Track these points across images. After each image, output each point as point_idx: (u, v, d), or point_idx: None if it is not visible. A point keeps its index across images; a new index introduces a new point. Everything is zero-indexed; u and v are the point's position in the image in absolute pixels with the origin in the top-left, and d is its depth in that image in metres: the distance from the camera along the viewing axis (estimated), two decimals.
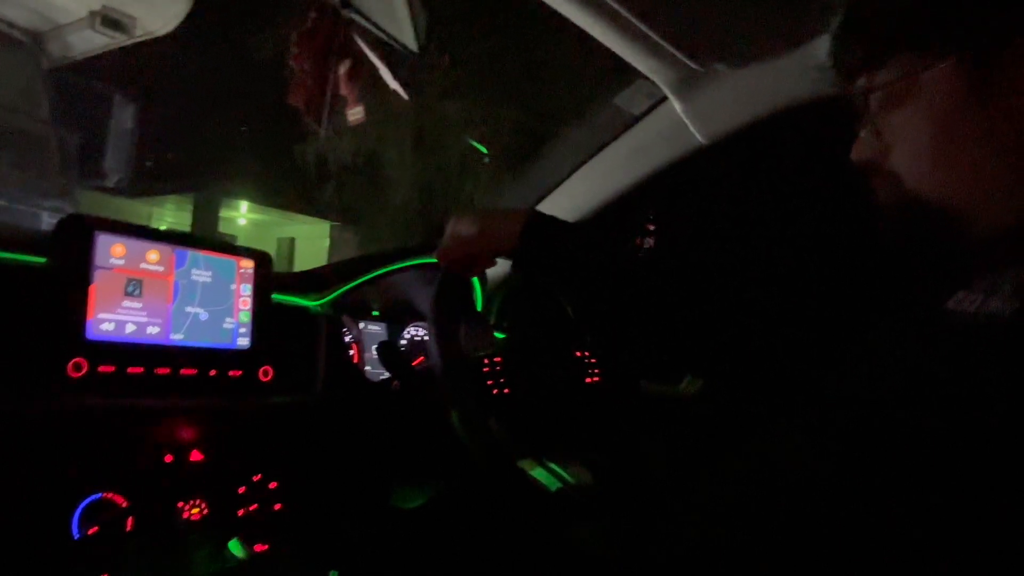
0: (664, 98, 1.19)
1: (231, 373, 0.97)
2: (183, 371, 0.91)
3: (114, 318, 0.86)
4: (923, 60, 0.55)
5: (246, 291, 1.01)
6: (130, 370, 0.86)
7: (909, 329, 0.57)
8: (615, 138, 1.31)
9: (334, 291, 1.20)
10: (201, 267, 0.96)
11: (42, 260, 0.84)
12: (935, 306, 0.53)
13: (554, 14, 0.97)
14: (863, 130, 0.63)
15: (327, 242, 12.44)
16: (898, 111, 0.58)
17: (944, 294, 0.53)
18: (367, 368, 1.35)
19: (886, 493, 0.48)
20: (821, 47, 0.98)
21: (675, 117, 1.20)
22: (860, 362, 0.59)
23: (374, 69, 1.13)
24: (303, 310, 1.14)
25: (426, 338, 1.47)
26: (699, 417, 1.46)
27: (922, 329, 0.55)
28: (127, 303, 0.87)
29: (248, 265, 1.02)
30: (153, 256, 0.91)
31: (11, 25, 2.64)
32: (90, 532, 0.78)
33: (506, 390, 1.28)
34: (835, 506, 0.50)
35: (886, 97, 0.59)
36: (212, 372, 0.95)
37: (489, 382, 1.25)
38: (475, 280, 1.48)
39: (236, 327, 0.99)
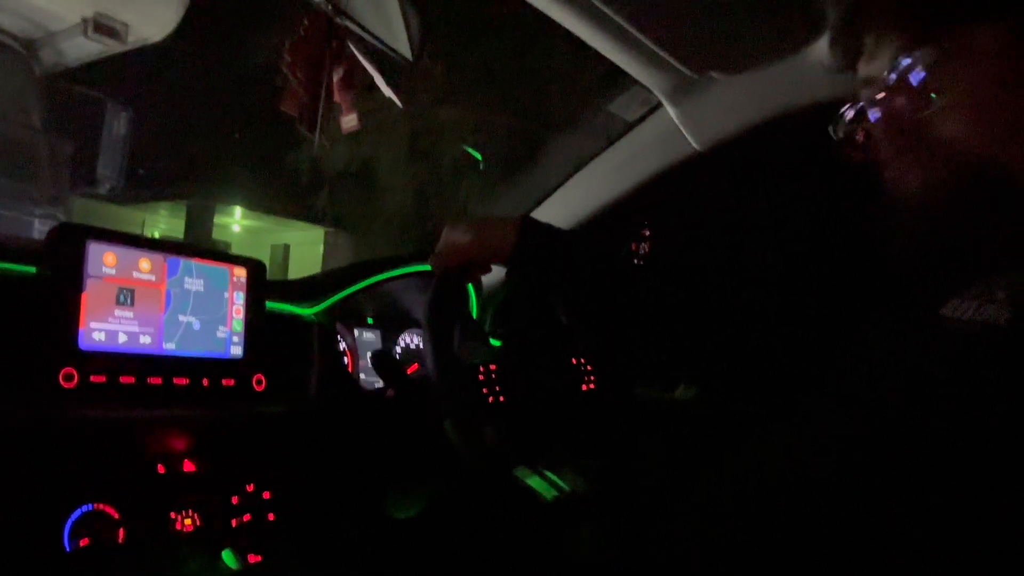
0: (659, 105, 1.19)
1: (224, 382, 0.96)
2: (176, 380, 0.91)
3: (106, 327, 0.85)
4: (971, 29, 0.54)
5: (239, 299, 1.00)
6: (122, 380, 0.85)
7: (907, 333, 0.57)
8: (610, 145, 1.31)
9: (328, 299, 1.19)
10: (193, 275, 0.95)
11: (32, 269, 0.83)
12: (930, 310, 0.53)
13: (549, 21, 0.98)
14: (882, 110, 0.60)
15: (321, 248, 12.42)
16: (948, 78, 0.55)
17: (939, 299, 0.53)
18: (361, 376, 1.34)
19: (886, 493, 0.48)
20: (815, 54, 0.99)
21: (670, 123, 1.20)
22: (859, 363, 0.59)
23: (368, 76, 1.13)
24: (297, 318, 1.14)
25: (421, 346, 1.47)
26: (694, 422, 1.46)
27: (919, 334, 0.55)
28: (119, 312, 0.87)
29: (241, 273, 1.01)
30: (145, 265, 0.90)
31: (2, 32, 2.63)
32: (81, 544, 0.77)
33: (501, 398, 1.27)
34: (834, 506, 0.50)
35: (934, 67, 0.56)
36: (205, 381, 0.94)
37: (484, 390, 1.25)
38: (470, 287, 1.48)
39: (229, 336, 0.98)
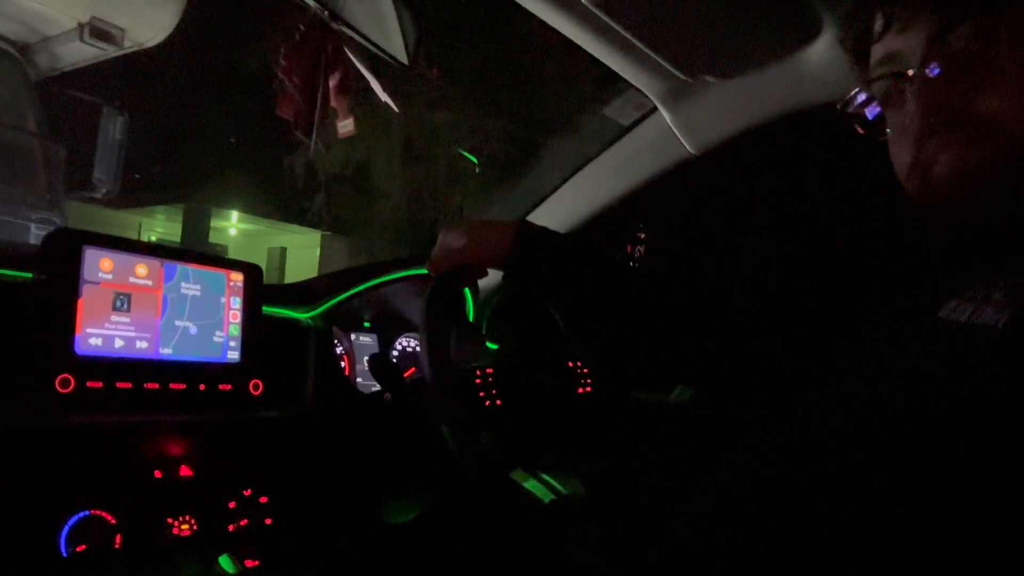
0: (653, 109, 1.20)
1: (221, 387, 0.96)
2: (172, 386, 0.91)
3: (102, 333, 0.85)
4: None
5: (236, 304, 1.00)
6: (119, 385, 0.85)
7: (905, 334, 0.57)
8: (605, 149, 1.31)
9: (325, 303, 1.19)
10: (190, 280, 0.95)
11: (28, 275, 0.83)
12: (928, 312, 0.54)
13: (544, 26, 0.98)
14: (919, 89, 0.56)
15: (318, 252, 12.41)
16: (995, 53, 0.52)
17: (937, 301, 0.53)
18: (358, 380, 1.34)
19: (884, 494, 0.48)
20: (810, 57, 0.99)
21: (664, 128, 1.20)
22: (857, 365, 0.59)
23: (364, 81, 1.13)
24: (294, 323, 1.14)
25: (417, 349, 1.47)
26: (692, 424, 1.46)
27: (917, 335, 0.56)
28: (115, 318, 0.87)
29: (238, 278, 1.01)
30: (141, 270, 0.90)
31: None
32: (78, 550, 0.77)
33: (498, 401, 1.27)
34: (833, 507, 0.50)
35: (980, 41, 0.53)
36: (202, 386, 0.94)
37: (481, 393, 1.25)
38: (466, 291, 1.48)
39: (226, 341, 0.98)
